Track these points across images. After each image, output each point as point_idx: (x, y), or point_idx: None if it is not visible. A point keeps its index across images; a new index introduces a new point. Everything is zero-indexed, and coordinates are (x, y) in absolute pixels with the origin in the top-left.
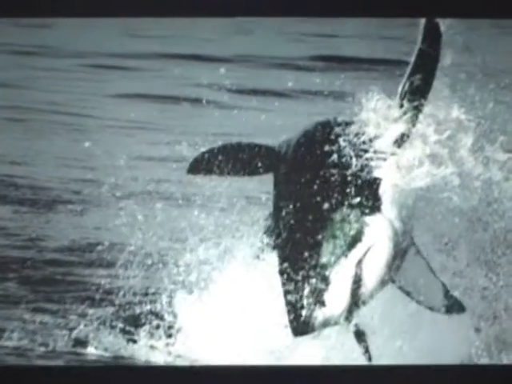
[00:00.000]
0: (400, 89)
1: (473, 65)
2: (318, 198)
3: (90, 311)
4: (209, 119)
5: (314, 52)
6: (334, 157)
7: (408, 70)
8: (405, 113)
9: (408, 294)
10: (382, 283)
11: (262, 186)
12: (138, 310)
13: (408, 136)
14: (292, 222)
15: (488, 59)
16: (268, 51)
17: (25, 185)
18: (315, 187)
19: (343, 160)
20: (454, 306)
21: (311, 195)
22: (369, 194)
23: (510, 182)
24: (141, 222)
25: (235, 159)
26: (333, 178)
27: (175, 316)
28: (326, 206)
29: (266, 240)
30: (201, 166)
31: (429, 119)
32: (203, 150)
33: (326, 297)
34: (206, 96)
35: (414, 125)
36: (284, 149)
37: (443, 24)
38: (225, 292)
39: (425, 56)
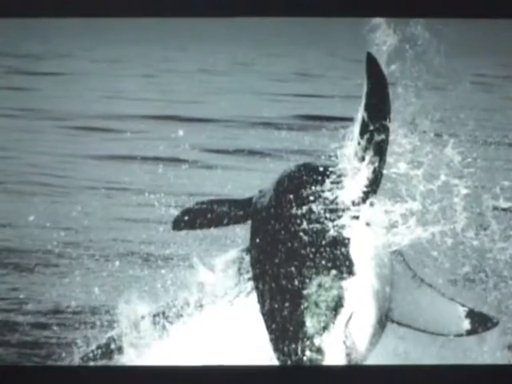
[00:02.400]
0: (359, 115)
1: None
2: (293, 270)
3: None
4: (188, 179)
5: (291, 112)
6: (305, 222)
7: (363, 98)
8: (369, 141)
9: (422, 330)
10: (375, 340)
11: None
12: None
13: (380, 175)
14: (270, 298)
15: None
16: (247, 111)
17: (8, 248)
18: (288, 256)
19: (314, 224)
20: (481, 324)
21: (286, 267)
22: (341, 258)
23: (509, 241)
24: (120, 282)
25: (215, 212)
26: (305, 245)
27: None
28: (300, 276)
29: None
30: (184, 222)
31: (415, 162)
32: (183, 208)
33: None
34: (185, 156)
35: (382, 161)
36: (259, 204)
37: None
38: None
39: (374, 88)
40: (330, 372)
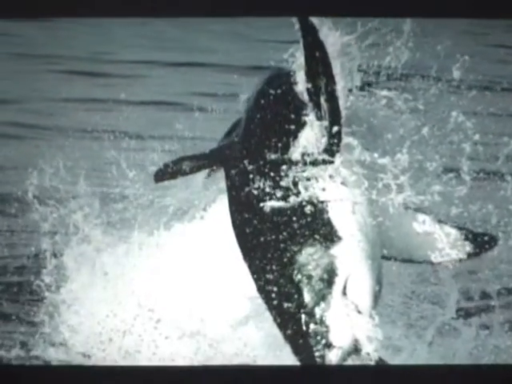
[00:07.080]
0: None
1: None
2: (277, 243)
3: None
4: (179, 123)
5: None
6: (275, 189)
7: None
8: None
9: (421, 261)
10: (375, 299)
11: None
12: None
13: (337, 110)
14: (261, 275)
15: None
16: (240, 57)
17: None
18: (269, 228)
19: (286, 191)
20: (483, 244)
21: (269, 241)
22: (323, 225)
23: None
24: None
25: (192, 161)
26: (278, 215)
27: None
28: (286, 251)
29: None
30: (163, 173)
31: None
32: (173, 155)
33: (331, 337)
34: (176, 100)
35: (333, 105)
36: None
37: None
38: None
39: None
40: (329, 372)
